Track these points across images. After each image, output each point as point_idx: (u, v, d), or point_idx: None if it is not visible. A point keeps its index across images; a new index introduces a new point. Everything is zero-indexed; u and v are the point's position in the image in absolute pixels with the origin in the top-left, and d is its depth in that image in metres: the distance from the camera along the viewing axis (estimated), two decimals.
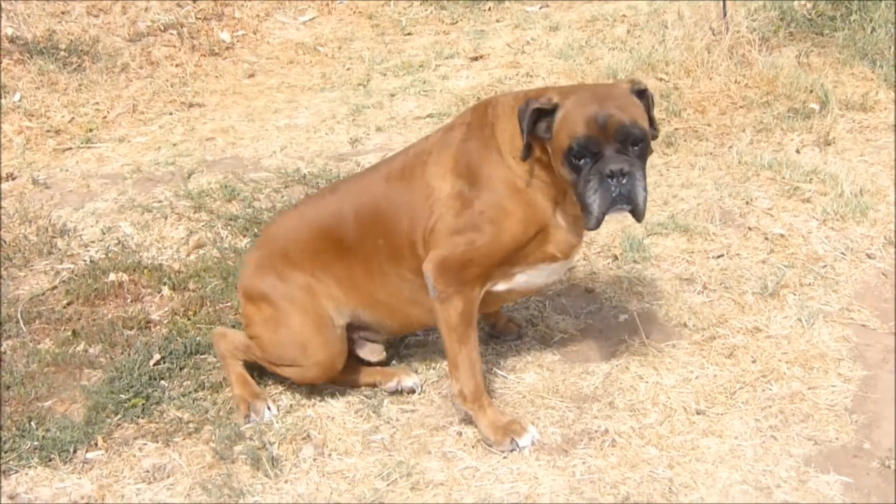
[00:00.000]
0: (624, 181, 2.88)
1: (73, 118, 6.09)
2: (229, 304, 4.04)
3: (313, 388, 3.46)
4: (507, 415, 3.25)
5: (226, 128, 5.91)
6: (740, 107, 5.49)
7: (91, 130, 5.95)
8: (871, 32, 6.07)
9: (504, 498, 2.95)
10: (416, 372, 3.54)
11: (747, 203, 4.49)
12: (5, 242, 4.59)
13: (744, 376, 3.41)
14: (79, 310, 4.09)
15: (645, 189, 2.94)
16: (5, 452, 3.26)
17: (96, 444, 3.30)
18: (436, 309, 3.14)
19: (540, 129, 2.96)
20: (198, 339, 3.79)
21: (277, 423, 3.33)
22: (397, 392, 3.44)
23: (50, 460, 3.23)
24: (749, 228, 4.31)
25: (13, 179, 5.33)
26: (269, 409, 3.36)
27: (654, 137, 3.07)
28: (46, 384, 3.63)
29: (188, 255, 4.48)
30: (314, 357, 3.30)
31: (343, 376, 3.45)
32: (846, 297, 3.82)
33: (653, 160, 4.99)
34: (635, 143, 2.91)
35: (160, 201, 4.94)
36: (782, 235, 4.23)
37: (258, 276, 3.37)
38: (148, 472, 3.18)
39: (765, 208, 4.45)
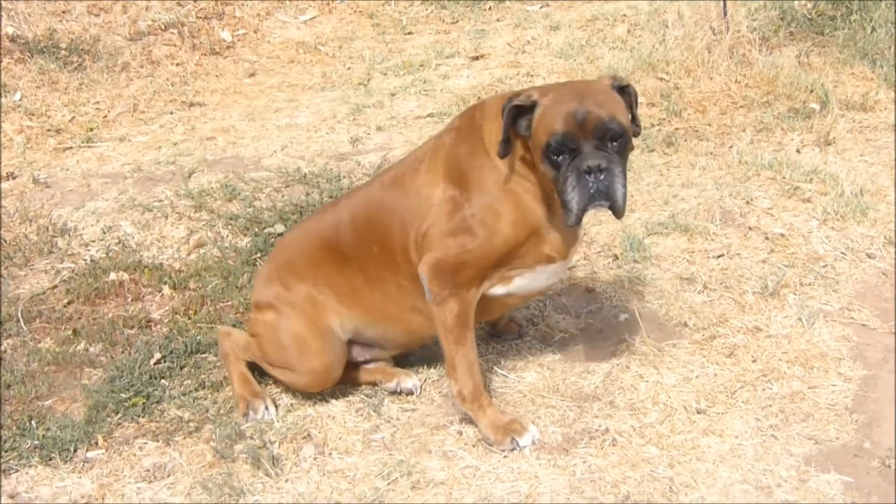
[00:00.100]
0: (602, 177, 2.86)
1: (73, 117, 6.09)
2: (230, 303, 4.04)
3: None
4: (507, 414, 3.25)
5: (226, 127, 5.91)
6: (741, 106, 5.50)
7: (92, 130, 5.95)
8: (872, 32, 6.07)
9: (505, 497, 2.95)
10: (417, 372, 3.54)
11: (748, 203, 4.50)
12: (6, 241, 4.59)
13: (744, 376, 3.41)
14: (79, 309, 4.09)
15: (624, 185, 2.90)
16: (6, 451, 3.26)
17: (97, 444, 3.30)
18: (432, 311, 3.15)
19: (521, 127, 2.97)
20: (198, 338, 3.79)
21: (278, 422, 3.33)
22: (396, 392, 3.44)
23: (50, 459, 3.23)
24: (749, 228, 4.31)
25: (14, 178, 5.34)
26: (267, 408, 3.36)
27: (637, 134, 3.05)
28: (47, 383, 3.64)
29: (189, 254, 4.48)
30: (309, 363, 3.30)
31: (344, 373, 3.45)
32: (846, 296, 3.82)
33: (653, 160, 5.01)
34: (614, 139, 2.89)
35: (161, 200, 4.94)
36: (783, 235, 4.23)
37: (266, 287, 3.43)
38: (148, 471, 3.18)
39: (765, 208, 4.45)
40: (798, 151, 4.97)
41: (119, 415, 3.42)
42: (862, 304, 3.77)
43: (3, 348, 3.87)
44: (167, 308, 4.07)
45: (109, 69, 6.65)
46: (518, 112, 2.96)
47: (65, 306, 4.12)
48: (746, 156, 4.90)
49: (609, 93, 2.96)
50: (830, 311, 3.73)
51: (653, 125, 5.39)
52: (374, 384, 3.48)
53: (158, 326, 3.97)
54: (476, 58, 6.81)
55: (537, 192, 3.03)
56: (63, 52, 6.69)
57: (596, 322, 3.80)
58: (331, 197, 4.79)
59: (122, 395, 3.50)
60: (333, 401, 3.43)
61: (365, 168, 5.18)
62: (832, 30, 6.23)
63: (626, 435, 3.17)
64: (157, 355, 3.71)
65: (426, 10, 7.84)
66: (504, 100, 3.02)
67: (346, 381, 3.49)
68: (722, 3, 5.89)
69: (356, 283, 3.29)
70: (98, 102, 6.28)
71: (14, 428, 3.38)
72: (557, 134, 2.87)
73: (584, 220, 2.98)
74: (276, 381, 3.50)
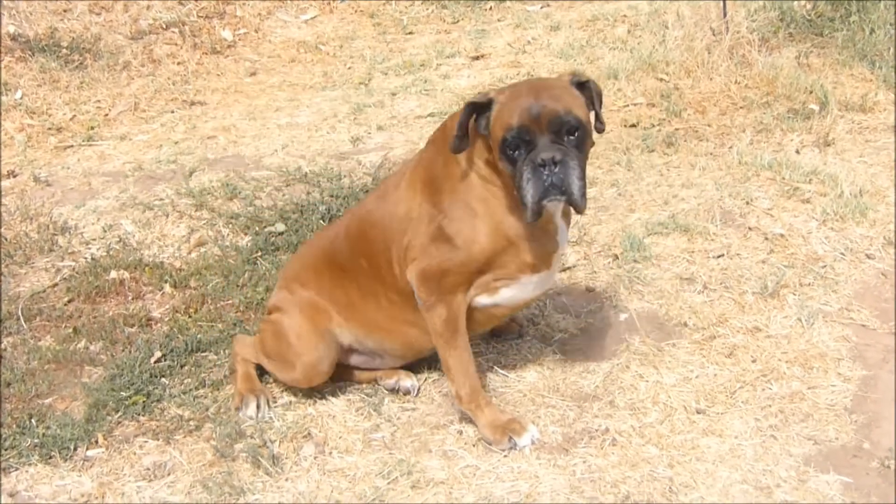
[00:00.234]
0: (557, 170, 2.85)
1: (74, 116, 6.09)
2: (230, 301, 4.05)
3: (314, 387, 3.47)
4: (506, 413, 3.25)
5: (227, 126, 5.91)
6: (740, 107, 5.50)
7: (92, 128, 5.95)
8: (871, 34, 6.08)
9: (504, 497, 2.96)
10: (417, 372, 3.54)
11: (747, 203, 4.50)
12: (6, 240, 4.60)
13: (744, 376, 3.42)
14: (80, 307, 4.10)
15: (580, 178, 2.88)
16: (6, 450, 3.26)
17: (97, 442, 3.30)
18: (424, 317, 3.18)
19: (480, 126, 2.98)
20: (199, 336, 3.80)
21: (278, 421, 3.34)
22: (394, 391, 3.45)
23: (50, 458, 3.23)
24: (749, 228, 4.32)
25: (14, 177, 5.34)
26: (259, 406, 3.37)
27: (600, 131, 3.05)
28: (47, 381, 3.64)
29: (189, 252, 4.48)
30: (302, 356, 3.32)
31: (345, 370, 3.48)
32: (846, 297, 3.83)
33: (653, 160, 5.01)
34: (571, 133, 2.88)
35: (161, 199, 4.94)
36: (782, 235, 4.23)
37: (275, 295, 3.52)
38: (148, 469, 3.18)
39: (765, 208, 4.46)
40: (797, 152, 4.98)
41: (119, 413, 3.42)
42: (861, 305, 3.77)
43: (3, 346, 3.87)
44: (168, 306, 4.07)
45: (110, 68, 6.65)
46: (476, 110, 2.97)
47: (65, 304, 4.12)
48: (746, 156, 4.91)
49: (567, 88, 2.97)
50: (830, 312, 3.74)
51: (653, 125, 5.40)
52: (375, 381, 3.49)
53: (159, 325, 3.97)
54: (477, 58, 6.82)
55: (509, 200, 3.02)
56: (64, 50, 6.70)
57: (596, 322, 3.80)
58: (331, 196, 4.80)
59: (123, 394, 3.50)
60: (334, 400, 3.44)
61: (365, 167, 5.19)
62: (831, 31, 6.24)
63: (626, 435, 3.17)
64: (158, 354, 3.71)
65: (427, 9, 7.85)
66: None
67: (347, 378, 3.51)
68: (722, 3, 5.89)
69: (352, 295, 3.34)
70: (99, 101, 6.28)
71: (14, 426, 3.38)
72: (513, 128, 2.87)
73: (572, 225, 2.97)
74: (276, 380, 3.50)
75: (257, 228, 4.57)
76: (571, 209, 3.08)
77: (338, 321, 3.35)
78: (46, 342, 3.89)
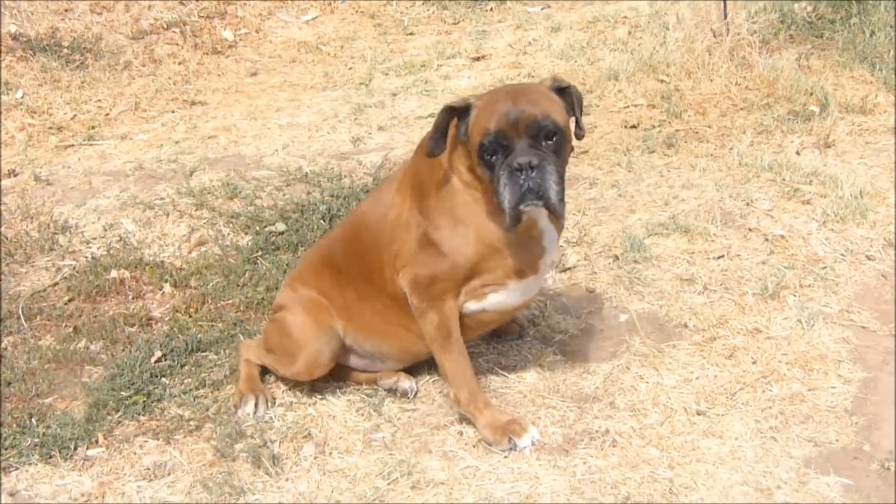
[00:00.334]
0: (534, 174, 2.83)
1: (75, 115, 6.10)
2: (231, 301, 4.05)
3: (314, 387, 3.47)
4: (506, 414, 3.25)
5: (228, 126, 5.91)
6: (741, 108, 5.51)
7: (93, 128, 5.96)
8: (871, 36, 6.08)
9: (505, 497, 2.96)
10: (416, 374, 3.53)
11: (748, 204, 4.50)
12: (7, 239, 4.60)
13: (744, 377, 3.42)
14: (80, 306, 4.10)
15: (558, 183, 2.86)
16: (6, 449, 3.26)
17: (97, 442, 3.30)
18: (418, 323, 3.19)
19: (460, 132, 2.98)
20: (199, 336, 3.80)
21: (278, 421, 3.34)
22: (393, 391, 3.45)
23: (50, 457, 3.23)
24: (749, 229, 4.32)
25: (15, 176, 5.34)
26: (257, 404, 3.37)
27: (580, 137, 3.04)
28: (47, 381, 3.64)
29: (190, 252, 4.48)
30: (304, 347, 3.33)
31: (345, 370, 3.49)
32: (846, 298, 3.83)
33: (653, 161, 5.02)
34: (549, 137, 2.88)
35: (162, 198, 4.94)
36: (782, 237, 4.23)
37: (280, 296, 3.53)
38: (148, 469, 3.18)
39: (765, 210, 4.46)
40: (798, 153, 4.98)
41: (119, 413, 3.42)
42: (861, 306, 3.77)
43: (3, 345, 3.87)
44: (168, 306, 4.07)
45: (111, 67, 6.65)
46: (453, 113, 2.97)
47: (65, 304, 4.12)
48: (746, 157, 4.91)
49: (545, 93, 2.97)
50: (830, 313, 3.74)
51: (653, 126, 5.40)
52: (374, 381, 3.49)
53: (159, 324, 3.97)
54: (477, 58, 6.82)
55: (492, 206, 3.00)
56: (65, 50, 6.70)
57: (596, 322, 3.80)
58: (332, 196, 4.80)
59: (123, 394, 3.50)
60: (334, 400, 3.44)
61: (366, 168, 5.19)
62: (832, 33, 6.25)
63: (627, 436, 3.17)
64: (158, 353, 3.71)
65: (428, 10, 7.85)
66: None
67: (347, 378, 3.51)
68: (722, 5, 5.89)
69: (350, 298, 3.35)
70: (100, 101, 6.28)
71: (14, 425, 3.38)
72: (490, 133, 2.87)
73: (563, 228, 2.96)
74: (278, 379, 3.50)
75: (258, 228, 4.57)
76: None
77: (338, 321, 3.36)
78: (47, 341, 3.89)
